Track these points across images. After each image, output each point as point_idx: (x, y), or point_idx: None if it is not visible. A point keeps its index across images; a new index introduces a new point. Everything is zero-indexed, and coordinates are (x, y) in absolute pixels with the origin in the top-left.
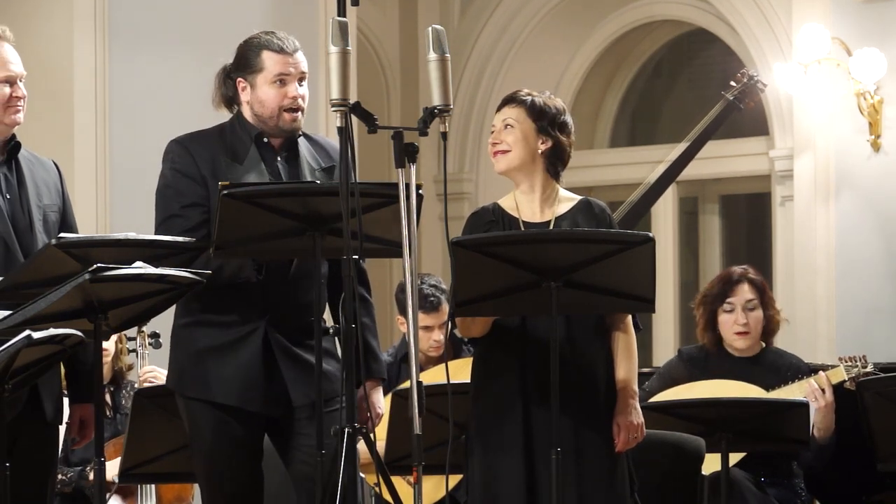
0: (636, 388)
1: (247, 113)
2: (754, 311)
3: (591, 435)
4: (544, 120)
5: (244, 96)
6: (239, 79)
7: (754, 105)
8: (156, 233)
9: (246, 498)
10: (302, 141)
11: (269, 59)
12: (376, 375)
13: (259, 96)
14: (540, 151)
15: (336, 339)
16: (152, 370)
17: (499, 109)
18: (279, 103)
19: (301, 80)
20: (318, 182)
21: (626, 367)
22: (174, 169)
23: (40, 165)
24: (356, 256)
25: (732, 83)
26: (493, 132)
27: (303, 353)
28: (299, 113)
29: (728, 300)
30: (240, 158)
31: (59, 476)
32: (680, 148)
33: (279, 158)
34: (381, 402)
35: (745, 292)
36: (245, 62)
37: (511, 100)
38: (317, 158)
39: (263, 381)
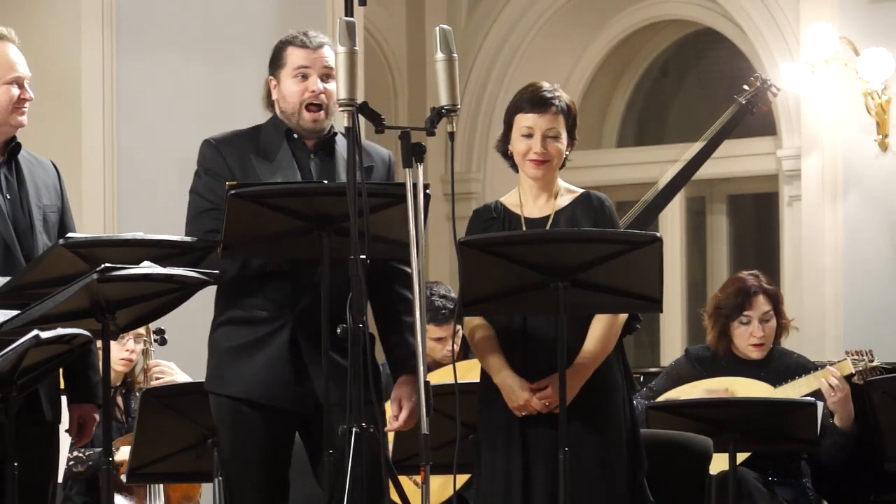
0: (590, 368)
1: (278, 111)
2: (769, 321)
3: (585, 430)
4: (573, 126)
5: (274, 94)
6: (270, 77)
7: (766, 109)
8: (186, 230)
9: (270, 500)
10: (340, 139)
11: (291, 54)
12: (413, 371)
13: (283, 91)
14: (566, 156)
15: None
16: (158, 365)
17: (534, 111)
18: (300, 98)
19: (326, 76)
20: (325, 182)
21: (594, 344)
22: (204, 168)
23: (39, 166)
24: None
25: (745, 87)
26: (528, 136)
27: (331, 351)
28: (322, 112)
29: (745, 313)
30: (270, 157)
31: (75, 453)
32: (692, 151)
33: (312, 157)
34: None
35: (761, 305)
36: (274, 60)
37: (550, 104)
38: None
39: (292, 378)
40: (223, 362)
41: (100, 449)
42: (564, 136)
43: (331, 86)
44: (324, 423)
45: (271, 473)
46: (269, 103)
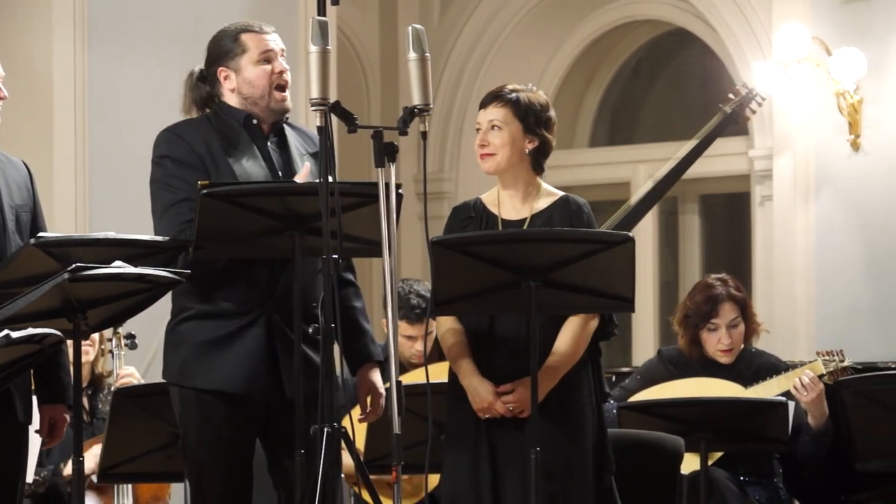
0: (559, 371)
1: (232, 102)
2: (737, 327)
3: (552, 433)
4: (531, 119)
5: (228, 85)
6: (220, 69)
7: (750, 118)
8: (159, 223)
9: (236, 494)
10: (288, 128)
11: (250, 40)
12: (375, 358)
13: (247, 77)
14: (527, 151)
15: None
16: (130, 374)
17: (483, 106)
18: (268, 80)
19: (282, 57)
20: (298, 181)
21: (565, 346)
22: (170, 157)
23: (11, 165)
24: (335, 256)
25: (731, 96)
26: (478, 130)
27: (302, 344)
28: (287, 92)
29: (712, 321)
30: (233, 143)
31: (33, 477)
32: (674, 160)
33: (270, 143)
34: (381, 384)
35: (728, 312)
36: (223, 51)
37: (496, 98)
38: (302, 143)
39: (267, 371)
40: (194, 356)
41: (52, 466)
42: (513, 128)
43: (287, 65)
44: (295, 421)
45: (237, 465)
46: (201, 104)
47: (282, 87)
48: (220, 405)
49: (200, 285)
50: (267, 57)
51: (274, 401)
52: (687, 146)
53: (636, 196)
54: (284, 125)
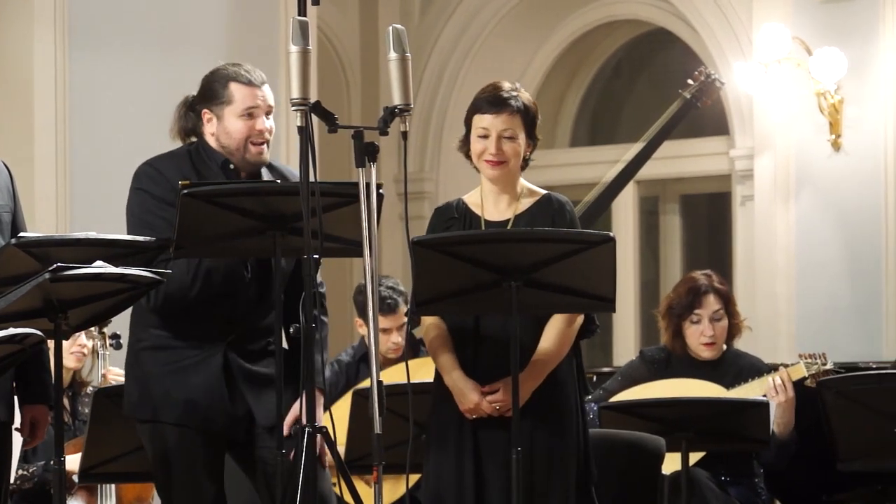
0: (544, 370)
1: (212, 143)
2: (720, 321)
3: (537, 432)
4: (533, 126)
5: (209, 128)
6: (204, 110)
7: (711, 103)
8: None
9: None
10: (264, 172)
11: (237, 92)
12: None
13: (226, 127)
14: (526, 156)
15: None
16: (120, 373)
17: (494, 112)
18: (246, 135)
19: (268, 113)
20: (279, 181)
21: (549, 344)
22: (149, 193)
23: None
24: (316, 256)
25: (690, 81)
26: (484, 136)
27: (262, 370)
28: (265, 146)
29: (695, 312)
30: None
31: (20, 472)
32: (637, 147)
33: None
34: (320, 412)
35: (711, 304)
36: (211, 94)
37: (505, 104)
38: None
39: (225, 402)
40: (153, 388)
41: (42, 462)
42: (522, 136)
43: (270, 123)
44: (276, 426)
45: (209, 493)
46: (186, 134)
47: (260, 143)
48: (184, 436)
49: (158, 315)
50: (250, 113)
51: (237, 433)
52: (647, 134)
53: (596, 189)
54: (263, 169)
